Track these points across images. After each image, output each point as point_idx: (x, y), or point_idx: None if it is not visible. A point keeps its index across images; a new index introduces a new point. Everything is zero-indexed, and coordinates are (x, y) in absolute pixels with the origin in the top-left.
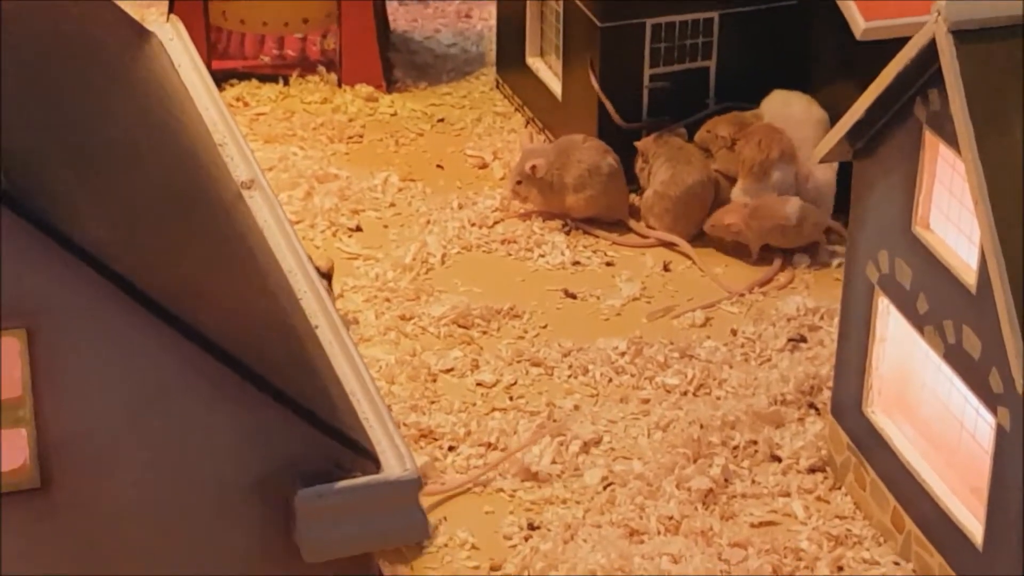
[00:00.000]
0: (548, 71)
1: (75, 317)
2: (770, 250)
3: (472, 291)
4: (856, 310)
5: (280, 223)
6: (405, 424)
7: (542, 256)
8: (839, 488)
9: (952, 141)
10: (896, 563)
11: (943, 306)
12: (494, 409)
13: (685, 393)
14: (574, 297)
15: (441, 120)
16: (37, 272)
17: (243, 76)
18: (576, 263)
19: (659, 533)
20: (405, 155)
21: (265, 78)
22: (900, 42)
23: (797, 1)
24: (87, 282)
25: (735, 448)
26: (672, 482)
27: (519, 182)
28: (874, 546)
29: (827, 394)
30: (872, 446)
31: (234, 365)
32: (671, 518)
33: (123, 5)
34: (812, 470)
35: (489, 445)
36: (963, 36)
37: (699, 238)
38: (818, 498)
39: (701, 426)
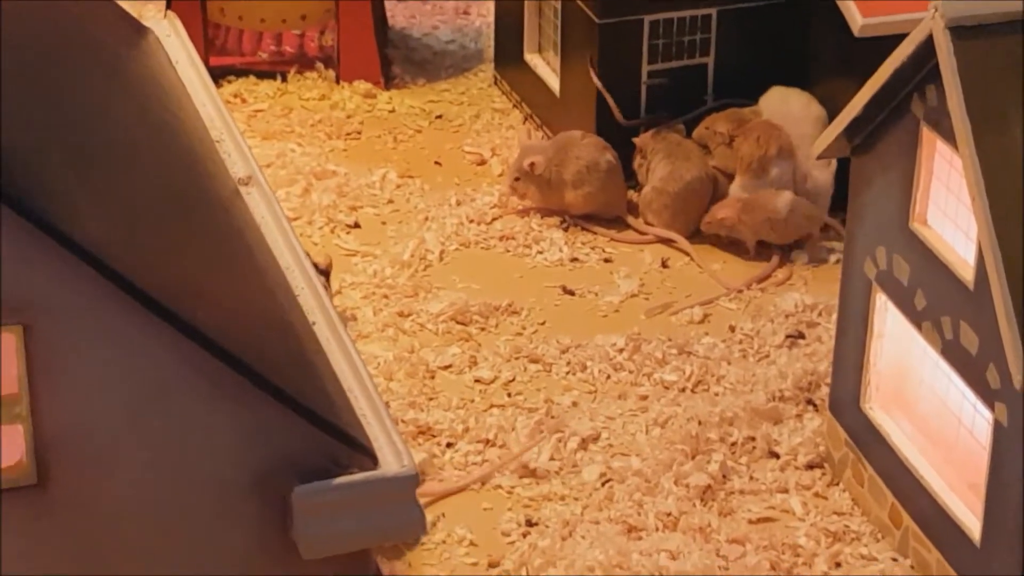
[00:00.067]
0: (546, 67)
1: (72, 314)
2: (768, 247)
3: (470, 288)
4: (854, 306)
5: (277, 220)
6: (403, 421)
7: (540, 253)
8: (837, 484)
9: (949, 137)
10: (894, 559)
11: (941, 302)
12: (492, 406)
13: (683, 389)
14: (572, 294)
15: (439, 117)
16: (34, 269)
17: (241, 72)
18: (574, 260)
19: (657, 529)
20: (403, 152)
21: (263, 75)
22: (898, 39)
23: None
24: (84, 279)
25: (733, 444)
26: (670, 478)
27: (517, 178)
28: (872, 542)
29: (825, 390)
30: (870, 442)
31: (232, 362)
32: (669, 514)
33: (120, 2)
34: (810, 466)
35: (487, 442)
36: (960, 32)
37: (697, 234)
38: (816, 494)
39: (699, 422)
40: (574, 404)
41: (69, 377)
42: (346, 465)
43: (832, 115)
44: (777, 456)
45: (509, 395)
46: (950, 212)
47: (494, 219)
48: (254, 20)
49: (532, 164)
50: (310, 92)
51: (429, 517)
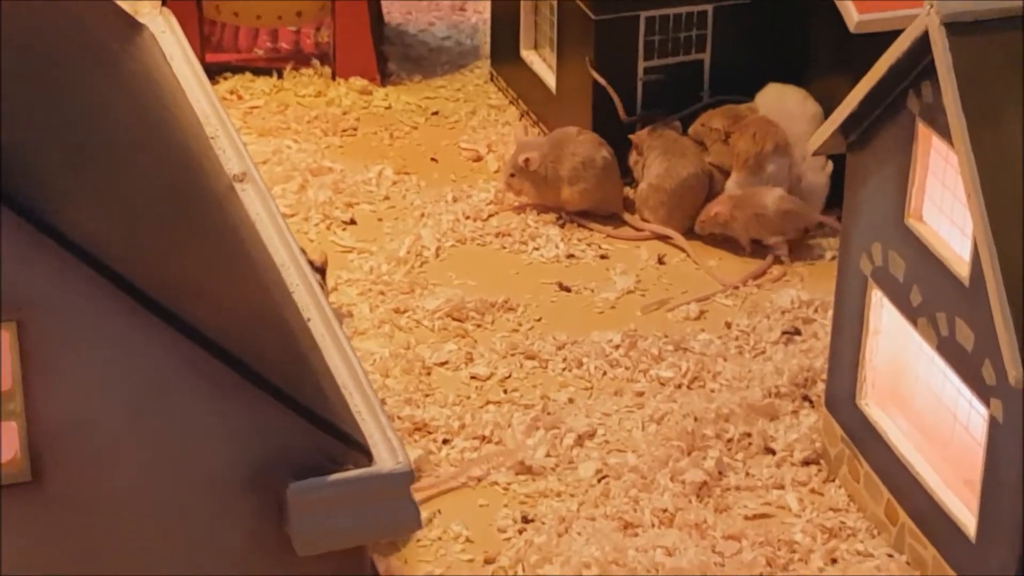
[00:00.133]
0: (542, 64)
1: (67, 311)
2: (763, 243)
3: (466, 284)
4: (850, 303)
5: (272, 216)
6: (399, 417)
7: (536, 249)
8: (833, 480)
9: (945, 133)
10: (890, 555)
11: (936, 298)
12: (488, 402)
13: (679, 386)
14: (568, 290)
15: (435, 113)
16: (29, 265)
17: (237, 69)
18: (570, 256)
19: (653, 526)
20: (399, 148)
21: (259, 71)
22: (895, 35)
23: None
24: (79, 276)
25: (729, 441)
26: (666, 475)
27: (513, 175)
28: (868, 538)
29: (821, 387)
30: (866, 438)
31: (228, 360)
32: (665, 511)
33: None
34: (806, 463)
35: (483, 438)
36: (956, 28)
37: (693, 231)
38: (812, 490)
39: (695, 419)
40: (570, 400)
41: (64, 374)
42: (341, 462)
43: (828, 112)
44: (773, 452)
45: (505, 391)
46: (946, 208)
47: (490, 216)
48: (250, 17)
49: (528, 160)
50: (306, 89)
51: (424, 514)
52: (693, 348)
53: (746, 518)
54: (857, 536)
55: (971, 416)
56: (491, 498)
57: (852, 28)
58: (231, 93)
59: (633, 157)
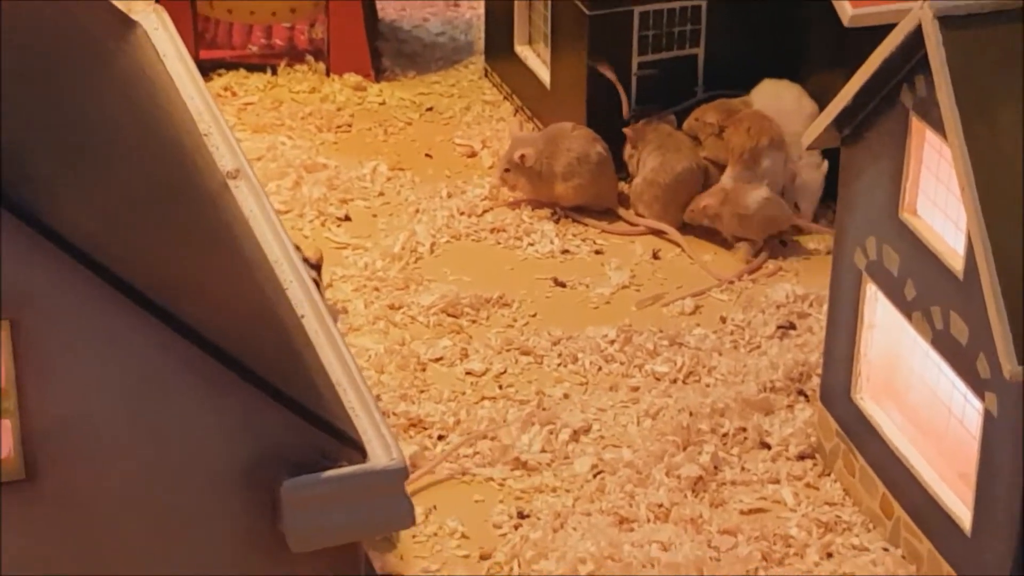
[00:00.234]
0: (536, 59)
1: (61, 309)
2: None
3: (461, 280)
4: (844, 297)
5: (266, 213)
6: (394, 413)
7: (531, 245)
8: (828, 475)
9: (939, 127)
10: (885, 549)
11: (930, 292)
12: (483, 398)
13: (675, 381)
14: (563, 286)
15: (430, 109)
16: (22, 263)
17: (231, 66)
18: (565, 251)
19: (649, 521)
20: (394, 144)
21: (253, 68)
22: (889, 29)
23: None
24: (73, 274)
25: (724, 435)
26: (662, 470)
27: (508, 170)
28: (863, 532)
29: (816, 381)
30: (861, 433)
31: (221, 357)
32: (661, 506)
33: None
34: (801, 457)
35: (479, 434)
36: (949, 22)
37: (688, 225)
38: (807, 485)
39: (690, 414)
40: (565, 396)
41: (58, 372)
42: (335, 458)
43: (823, 107)
44: (768, 447)
45: (500, 387)
46: (940, 202)
47: (485, 211)
48: (244, 13)
49: (523, 156)
50: (300, 85)
51: (419, 509)
52: (688, 343)
53: (742, 513)
54: (852, 530)
55: (966, 410)
56: (487, 494)
57: (846, 22)
58: (225, 90)
59: (628, 151)
